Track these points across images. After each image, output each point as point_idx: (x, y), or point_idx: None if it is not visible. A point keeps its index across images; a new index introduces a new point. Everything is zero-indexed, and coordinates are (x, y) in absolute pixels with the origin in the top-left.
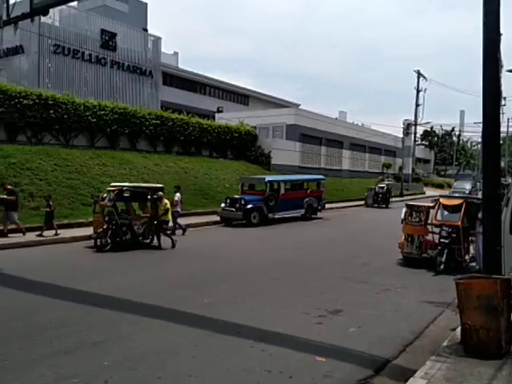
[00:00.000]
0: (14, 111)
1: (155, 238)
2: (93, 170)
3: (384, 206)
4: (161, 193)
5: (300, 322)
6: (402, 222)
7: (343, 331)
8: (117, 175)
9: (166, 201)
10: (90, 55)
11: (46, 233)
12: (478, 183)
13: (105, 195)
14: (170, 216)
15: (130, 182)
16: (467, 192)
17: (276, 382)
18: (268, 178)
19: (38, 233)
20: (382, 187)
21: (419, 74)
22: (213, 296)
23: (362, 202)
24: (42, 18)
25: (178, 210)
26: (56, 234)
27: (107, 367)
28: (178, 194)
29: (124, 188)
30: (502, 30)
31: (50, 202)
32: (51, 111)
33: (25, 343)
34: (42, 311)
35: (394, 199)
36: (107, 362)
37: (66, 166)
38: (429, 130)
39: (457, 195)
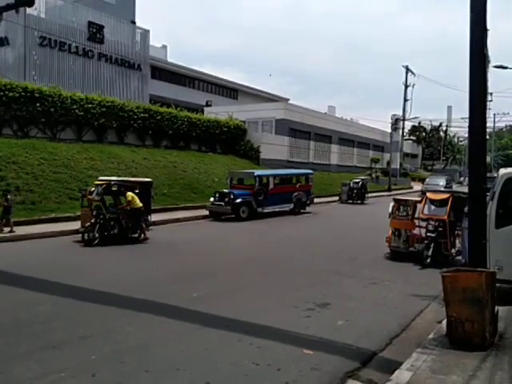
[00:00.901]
0: (0, 104)
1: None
2: (80, 164)
3: (359, 201)
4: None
5: (288, 315)
6: (389, 217)
7: (331, 324)
8: (105, 169)
9: (129, 193)
10: (77, 48)
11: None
12: (461, 178)
13: (92, 189)
14: (138, 203)
15: (118, 176)
16: (444, 185)
17: (264, 374)
18: (257, 172)
19: None
20: (357, 182)
21: (407, 70)
22: (201, 290)
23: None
24: (28, 10)
25: None
26: (11, 231)
27: (95, 361)
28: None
29: (112, 182)
30: (488, 26)
31: (8, 196)
32: (37, 104)
33: (12, 338)
34: (29, 306)
35: (371, 194)
36: (95, 356)
37: (52, 160)
38: (417, 125)
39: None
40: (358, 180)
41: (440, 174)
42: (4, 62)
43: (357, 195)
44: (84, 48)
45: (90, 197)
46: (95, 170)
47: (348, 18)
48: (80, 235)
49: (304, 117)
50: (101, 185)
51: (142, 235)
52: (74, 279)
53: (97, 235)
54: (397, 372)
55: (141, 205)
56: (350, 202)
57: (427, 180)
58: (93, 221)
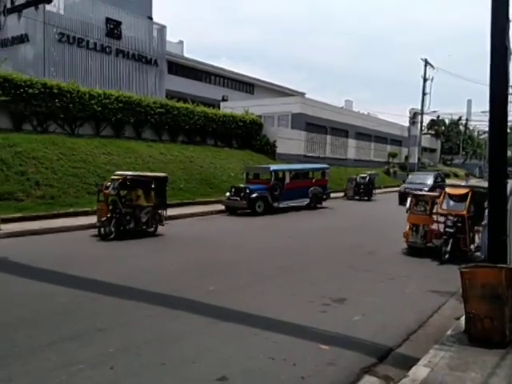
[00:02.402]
0: (20, 100)
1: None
2: (98, 159)
3: (366, 198)
4: None
5: (304, 310)
6: (406, 212)
7: (347, 319)
8: (122, 164)
9: (139, 190)
10: (95, 44)
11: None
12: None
13: (108, 184)
14: (142, 201)
15: (136, 170)
16: (426, 189)
17: (279, 369)
18: (273, 167)
19: None
20: (364, 177)
21: (426, 63)
22: (217, 284)
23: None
24: (47, 7)
25: None
26: None
27: (112, 353)
28: None
29: (128, 177)
30: (511, 16)
31: None
32: (56, 100)
33: (32, 330)
34: (48, 298)
35: (386, 189)
36: (112, 348)
37: (71, 155)
38: (435, 119)
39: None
40: (365, 175)
41: (426, 171)
42: (24, 58)
43: (364, 191)
44: (102, 44)
45: (106, 191)
46: (113, 164)
47: (364, 10)
48: (96, 229)
49: (320, 111)
50: (117, 179)
51: (152, 228)
52: (91, 272)
53: (113, 229)
54: (414, 368)
55: (145, 204)
56: (357, 198)
57: (409, 178)
58: (109, 215)
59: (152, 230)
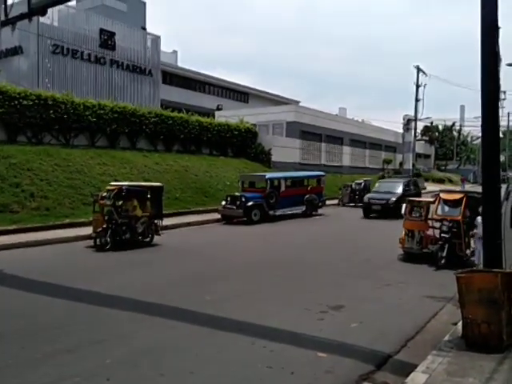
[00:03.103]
0: (14, 112)
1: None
2: (93, 170)
3: (361, 204)
4: None
5: (301, 318)
6: (402, 218)
7: (345, 327)
8: (117, 174)
9: (134, 200)
10: (89, 55)
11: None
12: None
13: (104, 194)
14: (138, 212)
15: (131, 181)
16: (393, 199)
17: (277, 377)
18: (268, 175)
19: None
20: (360, 183)
21: (419, 70)
22: (214, 293)
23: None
24: (41, 18)
25: None
26: None
27: (109, 365)
28: None
29: (123, 187)
30: (500, 24)
31: None
32: (51, 111)
33: (28, 342)
34: (44, 311)
35: None
36: (109, 359)
37: (66, 166)
38: (429, 125)
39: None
40: (360, 181)
41: (397, 178)
42: (18, 70)
43: (359, 197)
44: (96, 55)
45: (101, 202)
46: (108, 175)
47: (358, 19)
48: (92, 240)
49: (315, 119)
50: (112, 190)
51: (148, 238)
52: (87, 284)
53: (109, 240)
54: (412, 375)
55: (141, 214)
56: (352, 204)
57: (376, 186)
58: (104, 226)
59: (148, 240)
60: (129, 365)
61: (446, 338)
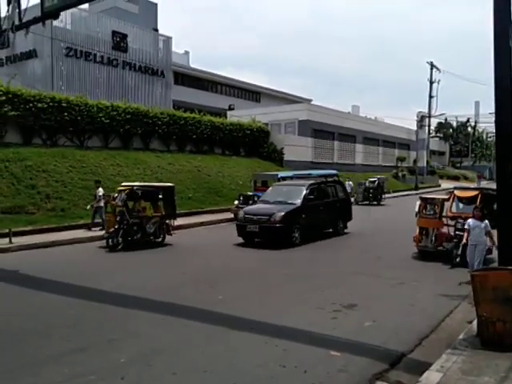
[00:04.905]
0: (29, 114)
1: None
2: (107, 171)
3: (375, 202)
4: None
5: (314, 316)
6: (416, 215)
7: (358, 325)
8: (131, 175)
9: (143, 202)
10: (102, 57)
11: None
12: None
13: (116, 195)
14: (147, 212)
15: (145, 181)
16: (281, 215)
17: (290, 376)
18: (281, 174)
19: None
20: (374, 181)
21: (432, 66)
22: (227, 292)
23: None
24: (54, 22)
25: (101, 204)
26: None
27: (123, 364)
28: (101, 189)
29: (134, 187)
30: None
31: None
32: (65, 114)
33: (43, 341)
34: (59, 310)
35: (397, 194)
36: (123, 358)
37: (81, 168)
38: (443, 121)
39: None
40: (374, 179)
41: (305, 178)
42: (33, 73)
43: (373, 195)
44: (109, 57)
45: (113, 202)
46: (122, 176)
47: (371, 15)
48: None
49: (327, 117)
50: (124, 190)
51: (160, 239)
52: (100, 283)
53: (120, 240)
54: (426, 373)
55: (153, 214)
56: (366, 202)
57: (268, 191)
58: (116, 226)
59: (160, 240)
60: (142, 364)
61: (461, 336)
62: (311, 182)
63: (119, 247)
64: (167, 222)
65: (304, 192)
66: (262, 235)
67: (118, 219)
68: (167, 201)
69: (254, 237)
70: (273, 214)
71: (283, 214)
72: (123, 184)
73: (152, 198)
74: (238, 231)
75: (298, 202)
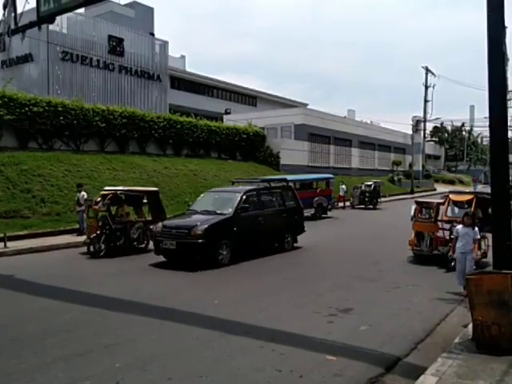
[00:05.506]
0: (25, 118)
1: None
2: (103, 175)
3: (371, 206)
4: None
5: (311, 321)
6: (411, 219)
7: (354, 330)
8: (127, 179)
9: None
10: (98, 61)
11: None
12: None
13: (98, 199)
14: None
15: (141, 185)
16: (203, 228)
17: (286, 381)
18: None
19: None
20: (369, 185)
21: (427, 70)
22: (222, 297)
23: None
24: (50, 26)
25: (83, 208)
26: None
27: (119, 369)
28: (84, 193)
29: (118, 192)
30: (506, 24)
31: None
32: (61, 118)
33: (38, 346)
34: (54, 315)
35: (392, 198)
36: (119, 363)
37: (76, 172)
38: (438, 126)
39: None
40: (370, 183)
41: (243, 184)
42: (29, 77)
43: (369, 199)
44: (105, 61)
45: (95, 207)
46: (118, 180)
47: (365, 20)
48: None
49: (323, 121)
50: (107, 195)
51: (143, 245)
52: (94, 289)
53: (102, 246)
54: (422, 377)
55: (136, 219)
56: (362, 206)
57: (198, 199)
58: (98, 232)
59: (143, 246)
60: (138, 368)
61: (457, 340)
62: (248, 187)
63: (101, 254)
64: (151, 227)
65: (237, 200)
66: (180, 253)
67: (100, 224)
68: (153, 206)
69: (172, 255)
70: (193, 227)
71: (206, 226)
72: (106, 188)
73: (136, 203)
74: (155, 248)
75: (229, 211)
